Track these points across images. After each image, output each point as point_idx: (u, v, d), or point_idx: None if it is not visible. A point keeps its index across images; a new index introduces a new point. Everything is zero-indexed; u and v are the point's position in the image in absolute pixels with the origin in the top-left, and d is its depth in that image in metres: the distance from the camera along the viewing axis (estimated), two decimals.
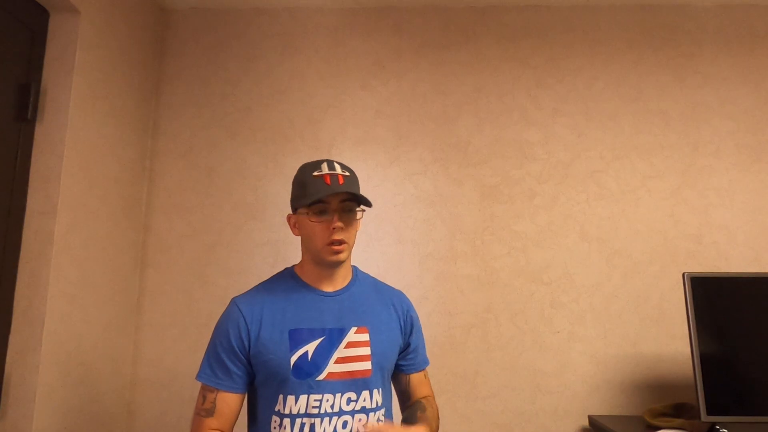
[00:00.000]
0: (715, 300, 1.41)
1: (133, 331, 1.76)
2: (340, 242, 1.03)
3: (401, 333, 1.14)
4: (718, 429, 1.32)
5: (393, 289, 1.21)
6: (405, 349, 1.16)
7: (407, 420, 1.11)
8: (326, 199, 1.03)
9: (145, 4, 1.81)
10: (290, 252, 1.81)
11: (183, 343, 1.76)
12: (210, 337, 1.74)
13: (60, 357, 1.38)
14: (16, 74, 1.33)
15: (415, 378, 1.18)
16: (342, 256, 1.05)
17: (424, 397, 1.18)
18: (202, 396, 1.03)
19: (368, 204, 1.05)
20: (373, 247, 1.80)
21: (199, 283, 1.79)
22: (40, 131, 1.39)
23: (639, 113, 1.86)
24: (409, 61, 1.91)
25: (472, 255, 1.79)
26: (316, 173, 1.05)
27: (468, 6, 1.94)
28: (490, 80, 1.89)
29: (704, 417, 1.33)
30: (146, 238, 1.83)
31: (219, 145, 1.87)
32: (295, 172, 1.84)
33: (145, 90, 1.83)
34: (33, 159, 1.37)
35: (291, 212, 1.13)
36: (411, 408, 1.14)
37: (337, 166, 1.07)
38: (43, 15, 1.42)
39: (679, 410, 1.54)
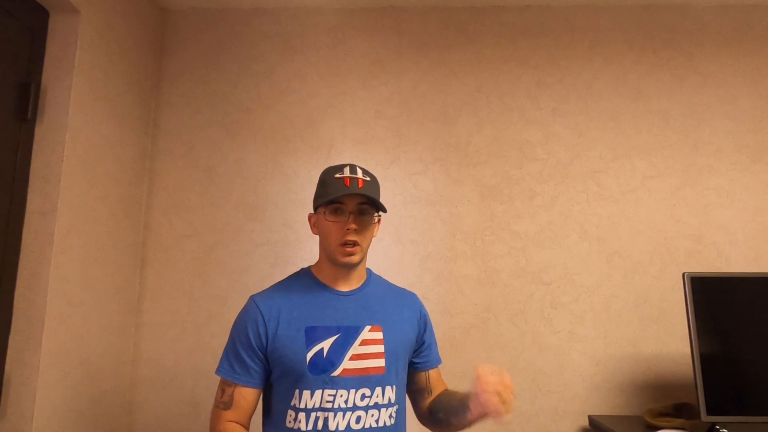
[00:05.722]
0: (715, 300, 1.41)
1: (133, 331, 1.76)
2: (354, 244, 1.05)
3: (414, 332, 1.17)
4: (718, 429, 1.32)
5: (405, 290, 1.25)
6: (419, 347, 1.19)
7: (443, 404, 1.12)
8: (343, 200, 1.06)
9: (145, 4, 1.81)
10: (290, 252, 1.81)
11: (183, 343, 1.76)
12: (209, 336, 1.75)
13: (60, 357, 1.38)
14: (16, 74, 1.33)
15: (434, 374, 1.22)
16: (354, 259, 1.07)
17: (446, 389, 1.21)
18: (221, 390, 1.07)
19: (383, 209, 1.09)
20: (373, 247, 1.80)
21: (199, 283, 1.79)
22: (40, 131, 1.39)
23: (639, 113, 1.86)
24: (409, 61, 1.91)
25: (472, 255, 1.79)
26: (337, 175, 1.08)
27: (468, 6, 1.94)
28: (490, 80, 1.89)
29: (704, 417, 1.33)
30: (146, 238, 1.83)
31: (219, 145, 1.87)
32: (294, 172, 1.85)
33: (145, 90, 1.83)
34: (33, 159, 1.37)
35: (312, 212, 1.16)
36: (441, 396, 1.16)
37: (359, 171, 1.10)
38: (43, 15, 1.42)
39: (679, 410, 1.54)
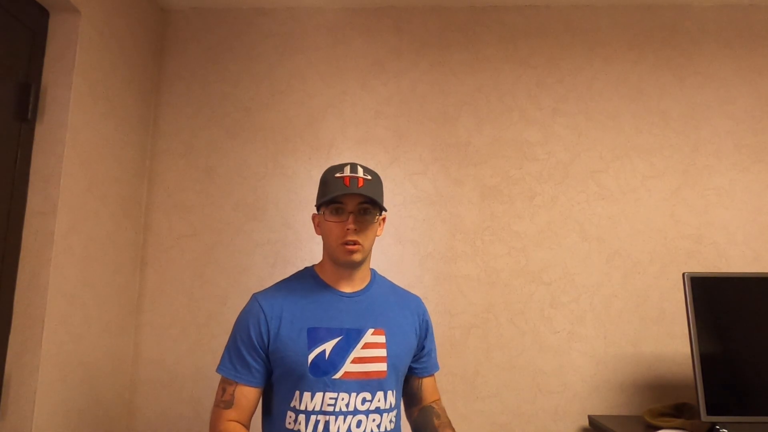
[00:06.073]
0: (715, 300, 1.41)
1: (133, 331, 1.76)
2: (354, 243, 1.05)
3: (416, 337, 1.16)
4: (718, 429, 1.32)
5: (410, 293, 1.24)
6: (419, 353, 1.18)
7: (422, 426, 1.14)
8: (343, 200, 1.05)
9: (145, 4, 1.81)
10: (290, 252, 1.81)
11: (183, 343, 1.76)
12: (209, 336, 1.75)
13: (60, 357, 1.38)
14: (16, 74, 1.33)
15: (427, 382, 1.21)
16: (356, 257, 1.06)
17: (434, 401, 1.20)
18: (222, 388, 1.06)
19: (383, 208, 1.09)
20: (374, 247, 1.79)
21: (199, 283, 1.79)
22: (40, 131, 1.39)
23: (639, 113, 1.86)
24: (409, 61, 1.91)
25: (472, 255, 1.79)
26: (338, 174, 1.07)
27: (468, 6, 1.94)
28: (490, 80, 1.89)
29: (704, 417, 1.33)
30: (146, 238, 1.83)
31: (219, 145, 1.87)
32: (294, 172, 1.85)
33: (145, 90, 1.83)
34: (33, 159, 1.37)
35: (316, 212, 1.15)
36: (424, 413, 1.16)
37: (360, 169, 1.09)
38: (43, 15, 1.41)
39: (679, 410, 1.53)
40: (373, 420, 1.04)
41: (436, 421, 1.12)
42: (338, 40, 1.93)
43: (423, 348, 1.19)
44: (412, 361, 1.17)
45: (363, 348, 1.06)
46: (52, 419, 1.35)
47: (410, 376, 1.19)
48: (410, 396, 1.20)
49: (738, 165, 1.81)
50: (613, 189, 1.81)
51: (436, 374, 1.24)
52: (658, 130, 1.85)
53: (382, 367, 1.06)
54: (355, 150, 1.86)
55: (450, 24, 1.93)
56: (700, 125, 1.84)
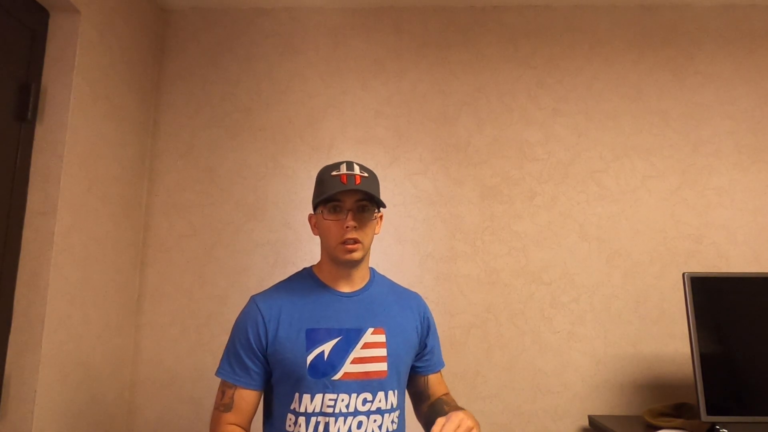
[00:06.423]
0: (715, 300, 1.41)
1: (133, 331, 1.76)
2: (354, 241, 1.04)
3: (417, 335, 1.15)
4: (718, 429, 1.32)
5: (410, 291, 1.22)
6: (422, 351, 1.17)
7: (433, 418, 1.11)
8: (341, 198, 1.04)
9: (145, 4, 1.81)
10: (290, 252, 1.81)
11: (183, 343, 1.76)
12: (209, 336, 1.75)
13: (60, 357, 1.38)
14: (16, 74, 1.33)
15: (433, 379, 1.19)
16: (356, 255, 1.05)
17: (443, 395, 1.19)
18: (221, 392, 1.06)
19: (381, 204, 1.07)
20: (374, 247, 1.80)
21: (199, 283, 1.79)
22: (40, 131, 1.39)
23: (639, 113, 1.86)
24: (409, 61, 1.91)
25: (472, 255, 1.79)
26: (334, 173, 1.06)
27: (468, 6, 1.94)
28: (490, 80, 1.89)
29: (704, 417, 1.33)
30: (146, 238, 1.83)
31: (219, 145, 1.87)
32: (294, 172, 1.85)
33: (145, 90, 1.83)
34: (33, 159, 1.37)
35: (312, 212, 1.14)
36: (434, 406, 1.15)
37: (356, 167, 1.08)
38: (43, 15, 1.42)
39: (679, 410, 1.54)
40: (375, 421, 1.03)
41: (446, 408, 1.10)
42: (338, 40, 1.93)
43: (426, 346, 1.17)
44: (416, 360, 1.16)
45: (363, 348, 1.05)
46: (52, 419, 1.35)
47: (416, 375, 1.17)
48: (418, 395, 1.19)
49: (738, 165, 1.81)
50: (613, 189, 1.81)
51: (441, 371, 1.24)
52: (657, 130, 1.85)
53: (383, 367, 1.05)
54: (355, 150, 1.86)
55: (450, 24, 1.93)
56: (700, 125, 1.84)
